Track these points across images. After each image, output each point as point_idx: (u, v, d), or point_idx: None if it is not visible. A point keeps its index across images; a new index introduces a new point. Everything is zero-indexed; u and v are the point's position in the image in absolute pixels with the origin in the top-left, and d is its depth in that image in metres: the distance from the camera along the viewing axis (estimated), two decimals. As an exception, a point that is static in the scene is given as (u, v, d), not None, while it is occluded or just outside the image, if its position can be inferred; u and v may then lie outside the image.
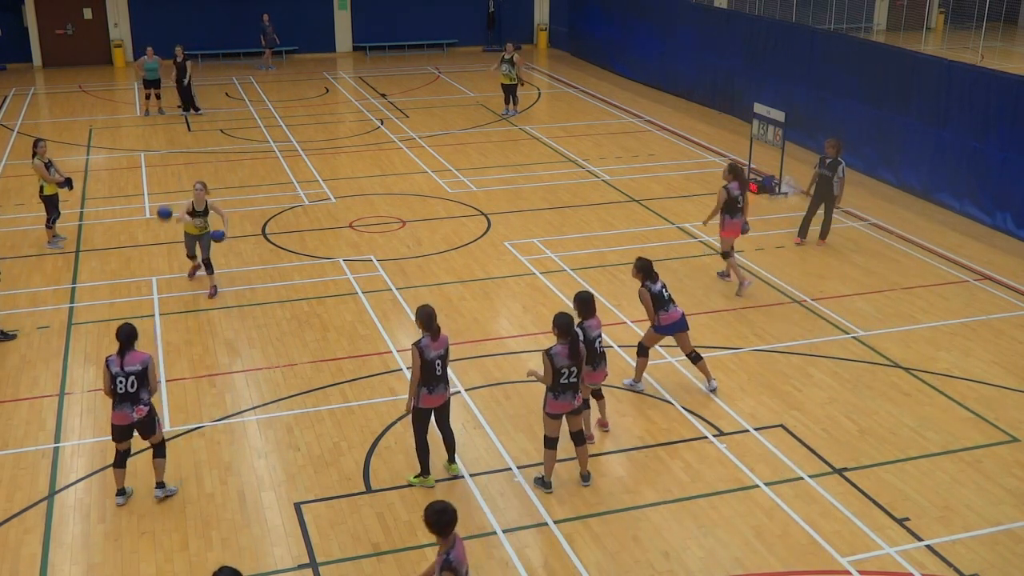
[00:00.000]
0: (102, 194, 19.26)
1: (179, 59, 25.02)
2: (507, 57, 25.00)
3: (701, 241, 16.72)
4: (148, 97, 25.74)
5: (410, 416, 9.88)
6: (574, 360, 9.53)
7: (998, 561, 8.97)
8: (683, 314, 11.59)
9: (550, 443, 9.84)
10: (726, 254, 14.65)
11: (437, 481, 10.13)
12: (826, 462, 10.46)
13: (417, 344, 9.53)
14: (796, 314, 14.00)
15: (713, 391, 11.78)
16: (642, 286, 11.38)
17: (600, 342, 10.42)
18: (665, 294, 11.45)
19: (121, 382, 9.39)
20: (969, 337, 13.32)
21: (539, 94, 28.66)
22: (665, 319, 11.45)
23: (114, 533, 9.41)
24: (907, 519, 9.54)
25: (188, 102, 25.49)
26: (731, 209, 14.32)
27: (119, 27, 32.65)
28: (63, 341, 13.26)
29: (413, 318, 13.65)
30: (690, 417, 11.31)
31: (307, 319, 13.85)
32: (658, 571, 8.87)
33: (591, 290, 14.61)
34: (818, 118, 21.61)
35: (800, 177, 19.87)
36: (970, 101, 17.83)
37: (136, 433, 9.70)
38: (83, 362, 12.71)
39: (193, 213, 14.41)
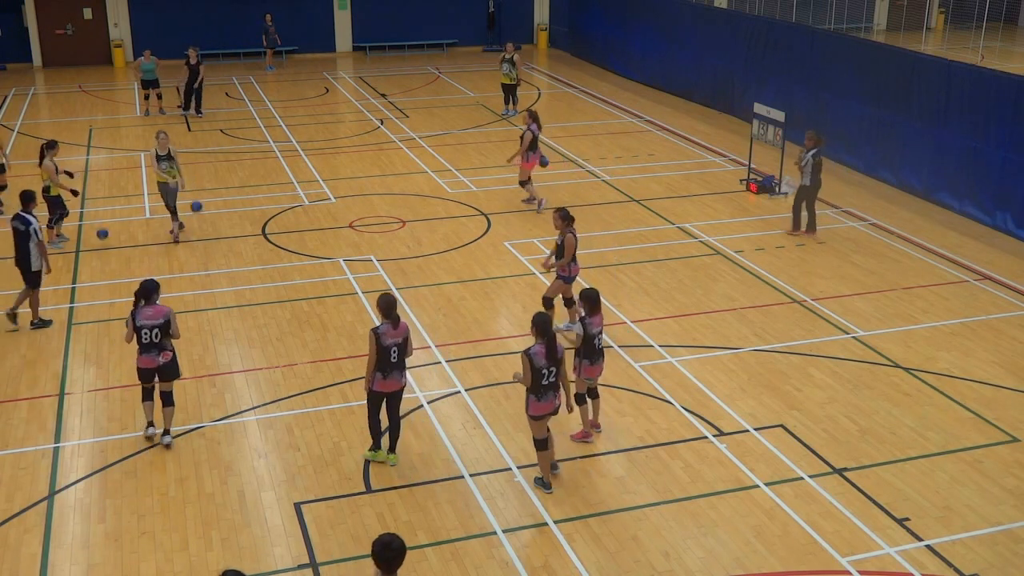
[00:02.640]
0: (102, 194, 19.25)
1: (192, 61, 24.93)
2: (507, 57, 25.02)
3: (701, 241, 16.72)
4: (147, 98, 25.72)
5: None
6: (552, 360, 9.58)
7: (998, 561, 8.97)
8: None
9: (540, 444, 9.86)
10: (524, 182, 18.14)
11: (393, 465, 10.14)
12: (826, 462, 10.46)
13: (375, 330, 9.83)
14: (796, 314, 14.00)
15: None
16: (569, 232, 12.54)
17: (600, 340, 10.47)
18: None
19: (146, 334, 10.43)
20: (969, 337, 13.32)
21: (539, 94, 28.66)
22: (575, 270, 12.85)
23: (114, 533, 9.41)
24: (907, 519, 9.54)
25: (193, 103, 25.34)
26: (533, 146, 17.83)
27: (119, 27, 32.65)
28: (63, 341, 13.26)
29: (410, 315, 13.72)
30: (690, 417, 11.31)
31: (307, 319, 13.85)
32: (658, 571, 8.87)
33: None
34: (818, 118, 21.58)
35: (798, 176, 19.85)
36: (970, 101, 17.83)
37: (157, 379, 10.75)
38: (83, 362, 12.72)
39: (159, 159, 16.29)
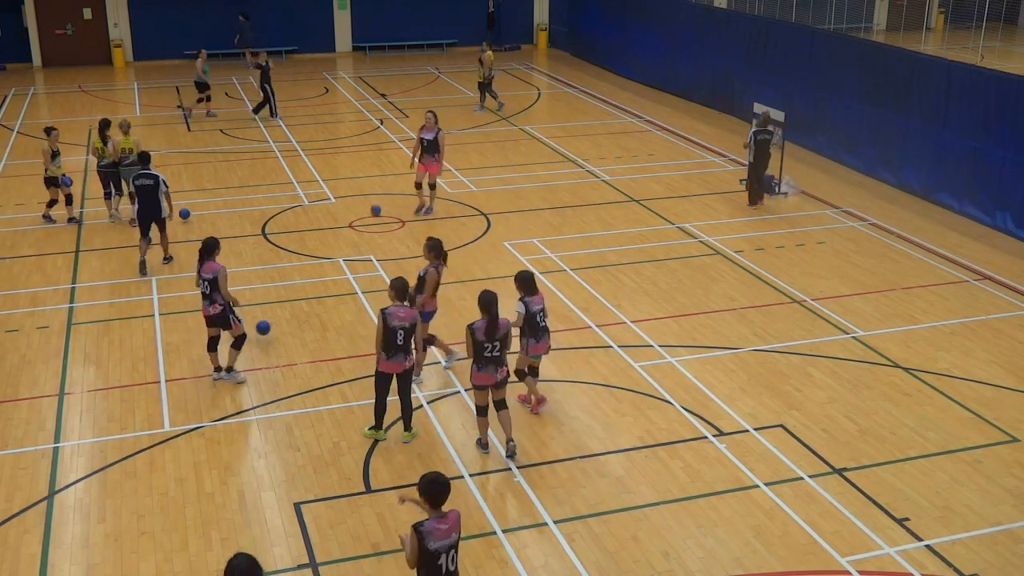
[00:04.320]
0: (102, 194, 19.22)
1: (263, 63, 24.80)
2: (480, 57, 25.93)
3: (701, 241, 16.72)
4: (200, 100, 25.55)
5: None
6: (492, 336, 10.02)
7: (998, 561, 8.97)
8: None
9: (478, 411, 10.45)
10: (432, 185, 17.85)
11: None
12: (826, 462, 10.46)
13: (383, 310, 10.19)
14: (796, 314, 14.00)
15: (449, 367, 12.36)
16: (433, 267, 11.80)
17: (542, 316, 10.97)
18: None
19: (200, 284, 11.74)
20: (969, 337, 13.32)
21: (539, 94, 28.66)
22: (433, 305, 12.06)
23: (114, 533, 9.41)
24: (907, 519, 9.54)
25: (270, 105, 25.17)
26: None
27: (119, 27, 32.65)
28: (63, 341, 13.26)
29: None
30: (690, 417, 11.31)
31: (307, 319, 13.84)
32: (658, 571, 8.87)
33: (593, 291, 14.66)
34: (818, 118, 21.61)
35: (798, 177, 19.89)
36: (970, 101, 17.83)
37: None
38: (83, 362, 12.71)
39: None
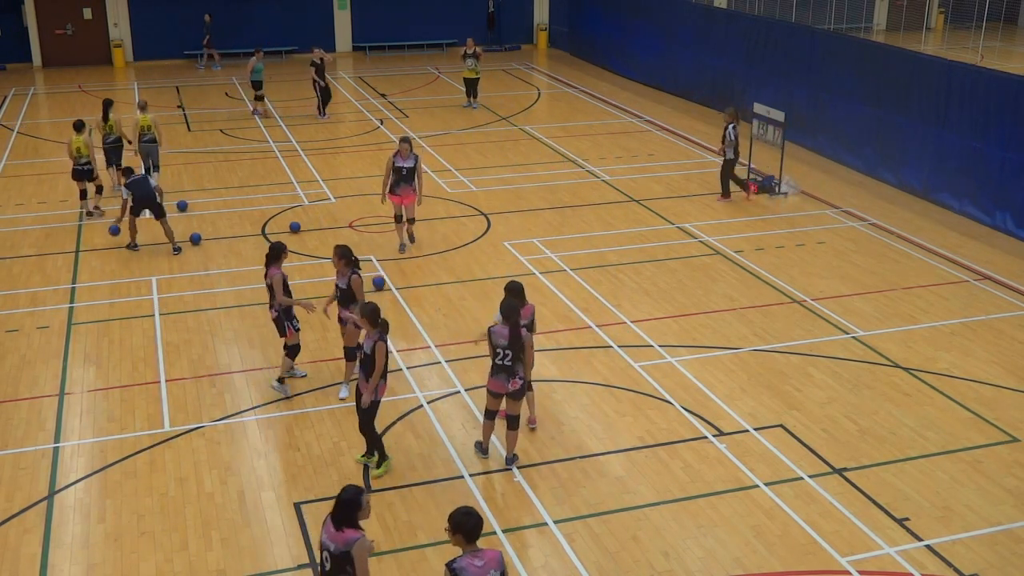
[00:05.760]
0: (103, 194, 19.21)
1: (318, 60, 24.78)
2: (468, 52, 25.80)
3: (701, 241, 16.72)
4: (258, 99, 25.49)
5: (371, 410, 10.06)
6: (509, 343, 9.95)
7: (998, 561, 8.97)
8: None
9: (487, 415, 10.39)
10: (412, 220, 16.25)
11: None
12: (826, 462, 10.46)
13: (384, 341, 9.87)
14: (796, 314, 14.00)
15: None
16: (355, 274, 11.51)
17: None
18: None
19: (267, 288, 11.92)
20: (969, 337, 13.32)
21: (539, 94, 28.66)
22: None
23: (114, 533, 9.41)
24: (907, 519, 9.54)
25: (320, 103, 25.25)
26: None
27: (119, 27, 32.65)
28: (63, 341, 13.26)
29: (410, 315, 13.70)
30: (690, 417, 11.32)
31: (307, 319, 13.82)
32: (658, 571, 8.87)
33: (593, 291, 14.66)
34: (818, 118, 21.61)
35: (798, 177, 19.88)
36: (970, 101, 17.83)
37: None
38: (83, 362, 12.71)
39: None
